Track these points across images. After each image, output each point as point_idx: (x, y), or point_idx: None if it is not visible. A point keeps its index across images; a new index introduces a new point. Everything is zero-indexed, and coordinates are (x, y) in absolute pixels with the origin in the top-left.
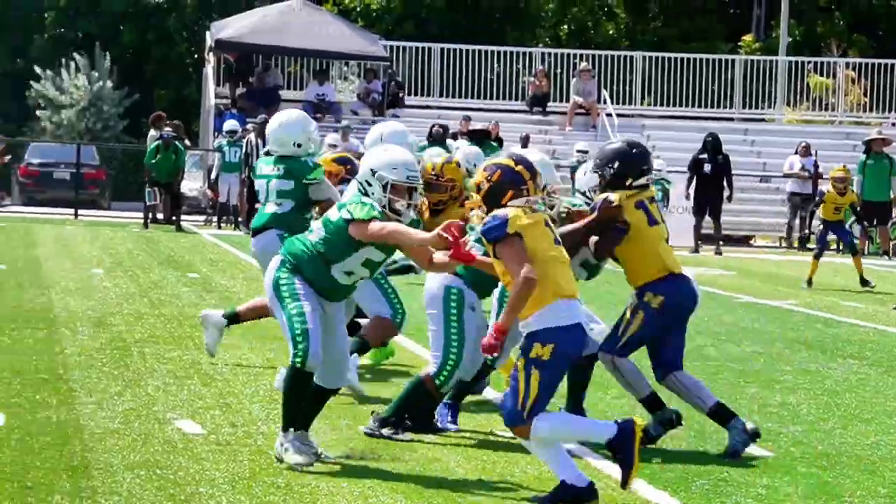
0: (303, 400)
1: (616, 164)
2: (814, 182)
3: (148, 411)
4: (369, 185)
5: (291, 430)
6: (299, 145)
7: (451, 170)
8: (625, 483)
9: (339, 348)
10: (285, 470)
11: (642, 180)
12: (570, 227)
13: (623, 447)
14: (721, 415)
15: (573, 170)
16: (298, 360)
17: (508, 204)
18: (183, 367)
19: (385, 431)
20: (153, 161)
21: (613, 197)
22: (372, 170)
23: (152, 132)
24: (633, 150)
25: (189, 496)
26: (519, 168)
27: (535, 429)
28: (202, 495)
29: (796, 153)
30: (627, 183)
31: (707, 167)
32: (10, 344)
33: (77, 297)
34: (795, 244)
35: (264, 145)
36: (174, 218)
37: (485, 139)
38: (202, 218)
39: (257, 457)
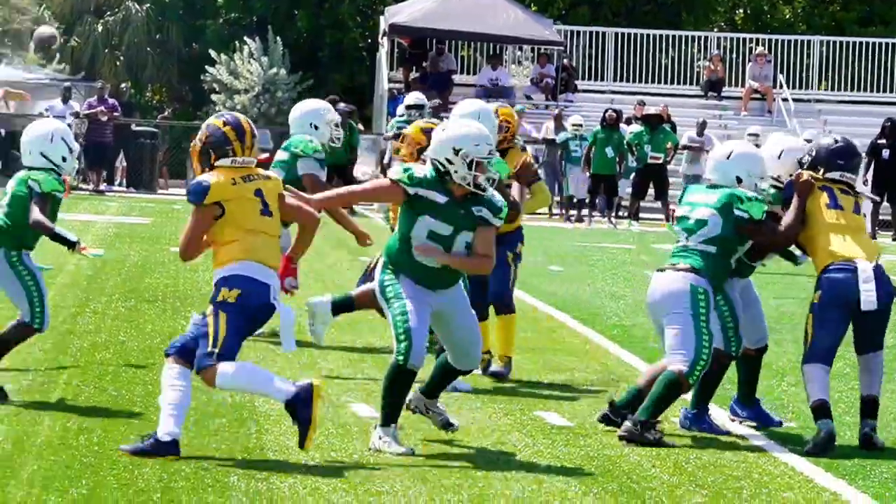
0: (404, 397)
1: (815, 153)
2: None
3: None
4: (450, 163)
5: (393, 425)
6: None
7: (508, 113)
8: (302, 442)
9: (463, 333)
10: (459, 455)
11: (835, 174)
12: (784, 222)
13: (300, 408)
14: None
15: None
16: (401, 358)
17: (216, 165)
18: (357, 351)
19: (648, 435)
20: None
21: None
22: (455, 148)
23: None
24: (840, 146)
25: (363, 479)
26: (226, 129)
27: (218, 375)
28: (377, 478)
29: None
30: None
31: (885, 153)
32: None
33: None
34: None
35: None
36: None
37: (659, 123)
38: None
39: (432, 440)
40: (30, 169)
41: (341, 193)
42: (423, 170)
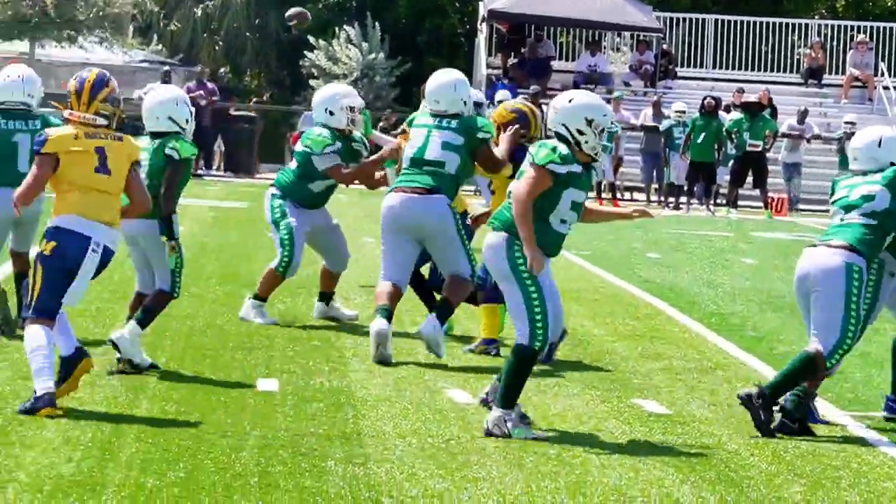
0: (526, 379)
1: None
2: None
3: (419, 380)
4: (581, 133)
5: (515, 407)
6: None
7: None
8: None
9: (556, 303)
10: (556, 442)
11: None
12: None
13: (71, 369)
14: None
15: (840, 141)
16: (539, 343)
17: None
18: (454, 337)
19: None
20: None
21: None
22: (588, 118)
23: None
24: None
25: (460, 465)
26: (73, 83)
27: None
28: (473, 464)
29: None
30: None
31: None
32: (283, 311)
33: (350, 265)
34: None
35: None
36: None
37: (758, 111)
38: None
39: None
40: (154, 136)
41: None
42: (560, 146)
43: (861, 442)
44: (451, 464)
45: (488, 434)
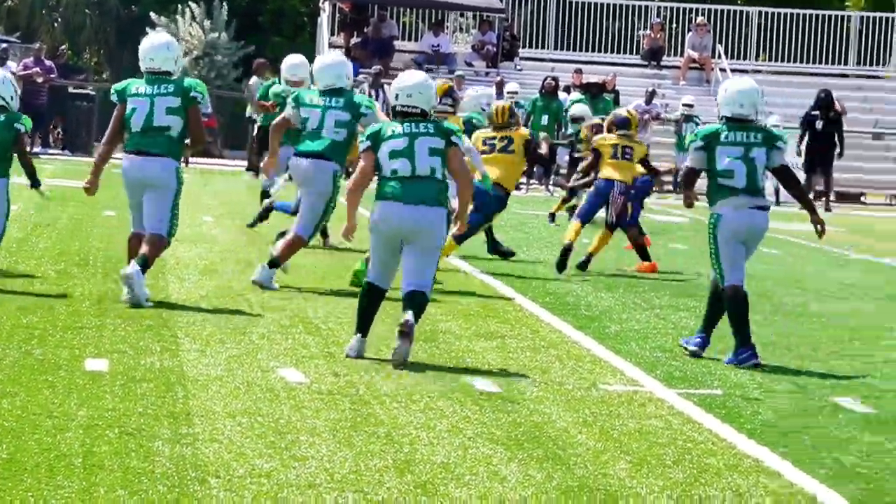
0: None
1: None
2: None
3: (251, 359)
4: None
5: None
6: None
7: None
8: None
9: None
10: (387, 420)
11: None
12: None
13: None
14: None
15: (678, 122)
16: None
17: None
18: (288, 316)
19: None
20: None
21: None
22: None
23: (254, 79)
24: None
25: (289, 444)
26: None
27: None
28: (302, 443)
29: None
30: None
31: (819, 124)
32: (115, 290)
33: (186, 244)
34: None
35: (377, 96)
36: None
37: (599, 92)
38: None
39: (359, 406)
40: None
41: None
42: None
43: (686, 419)
44: (280, 443)
45: None
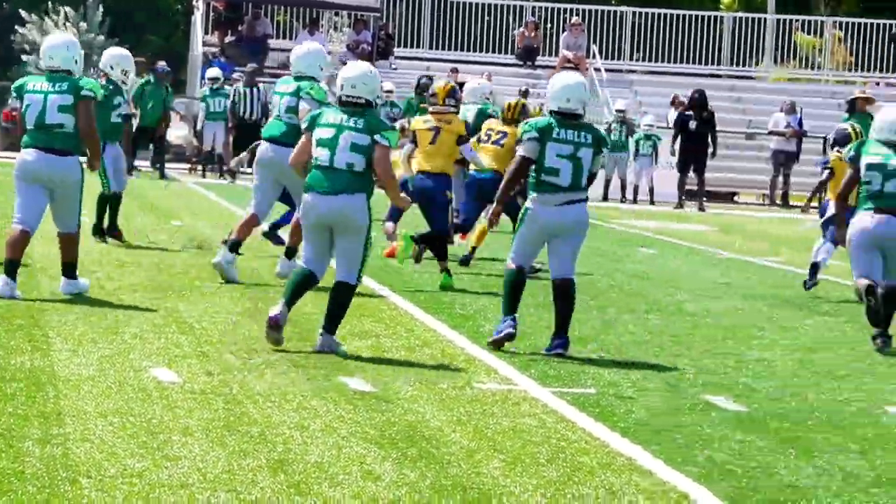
0: None
1: None
2: (798, 140)
3: (124, 359)
4: None
5: None
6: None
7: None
8: None
9: None
10: (260, 419)
11: None
12: None
13: None
14: None
15: None
16: None
17: None
18: (161, 316)
19: None
20: (141, 100)
21: None
22: None
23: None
24: None
25: (161, 444)
26: None
27: None
28: (175, 443)
29: (781, 111)
30: None
31: (692, 124)
32: None
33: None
34: (778, 201)
35: (252, 94)
36: (158, 165)
37: None
38: (187, 166)
39: (232, 406)
40: None
41: None
42: None
43: (560, 417)
44: (153, 443)
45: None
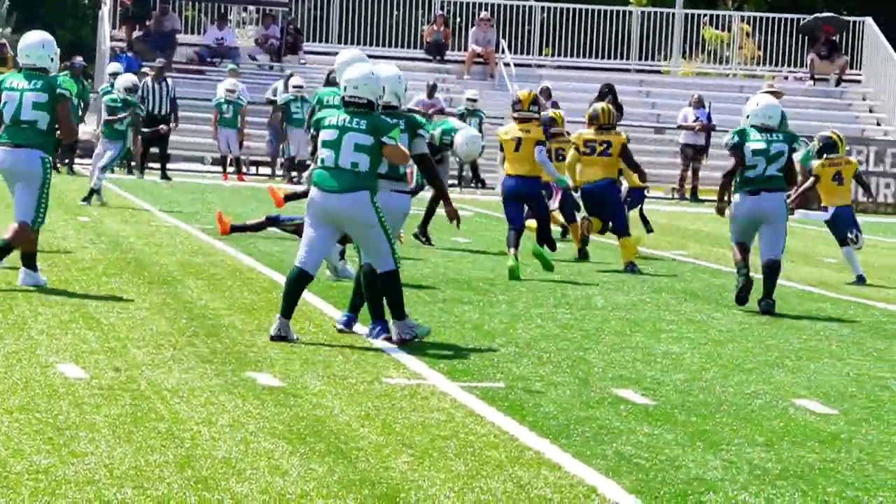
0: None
1: None
2: (707, 134)
3: (31, 355)
4: None
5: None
6: None
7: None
8: None
9: None
10: (167, 415)
11: None
12: None
13: None
14: None
15: (461, 116)
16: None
17: None
18: (68, 312)
19: None
20: None
21: None
22: None
23: None
24: None
25: (68, 440)
26: None
27: None
28: (81, 439)
29: (689, 105)
30: None
31: None
32: None
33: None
34: (687, 195)
35: (160, 88)
36: (67, 161)
37: None
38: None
39: (140, 401)
40: None
41: None
42: None
43: (469, 412)
44: (59, 439)
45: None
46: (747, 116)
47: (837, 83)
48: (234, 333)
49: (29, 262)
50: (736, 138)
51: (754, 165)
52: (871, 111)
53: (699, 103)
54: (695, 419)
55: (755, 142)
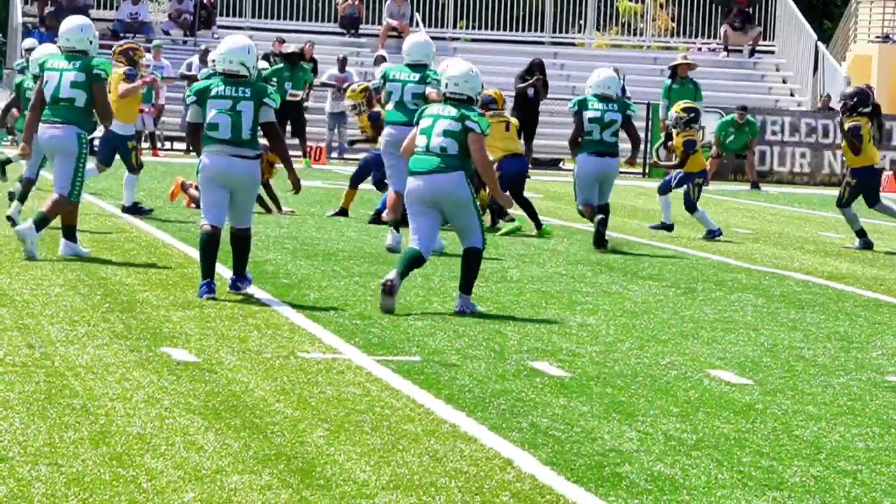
0: None
1: None
2: None
3: None
4: None
5: None
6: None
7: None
8: None
9: None
10: (82, 392)
11: None
12: None
13: None
14: None
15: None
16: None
17: None
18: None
19: None
20: None
21: None
22: None
23: None
24: None
25: None
26: None
27: None
28: None
29: None
30: None
31: (530, 91)
32: None
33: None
34: None
35: None
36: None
37: (298, 61)
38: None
39: (54, 378)
40: None
41: None
42: None
43: (384, 385)
44: None
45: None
46: (589, 87)
47: (751, 54)
48: (148, 309)
49: (69, 233)
50: (576, 107)
51: (590, 132)
52: (784, 82)
53: None
54: (610, 391)
55: (592, 110)
